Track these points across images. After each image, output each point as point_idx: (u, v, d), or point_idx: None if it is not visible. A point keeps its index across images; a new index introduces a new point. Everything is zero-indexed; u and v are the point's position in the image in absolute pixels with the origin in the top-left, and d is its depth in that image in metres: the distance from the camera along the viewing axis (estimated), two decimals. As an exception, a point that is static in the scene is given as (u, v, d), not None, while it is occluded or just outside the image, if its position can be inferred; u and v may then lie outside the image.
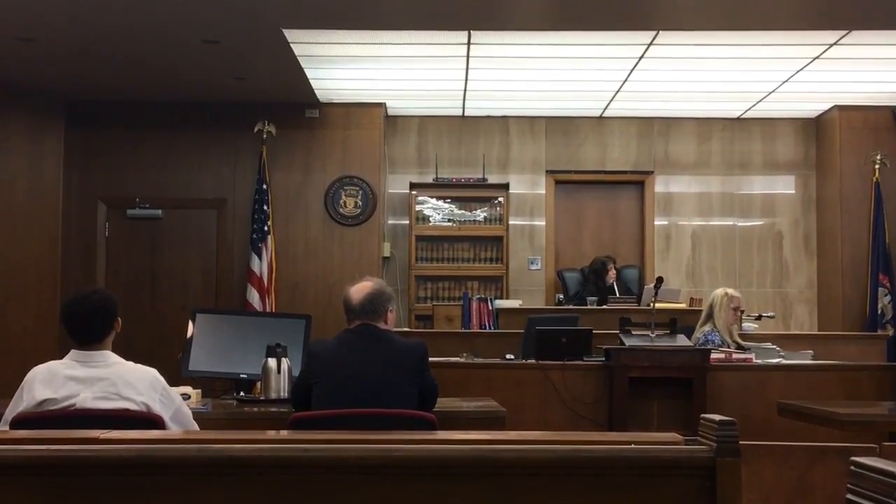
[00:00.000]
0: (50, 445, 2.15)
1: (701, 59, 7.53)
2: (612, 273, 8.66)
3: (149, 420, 3.20)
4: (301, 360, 4.42)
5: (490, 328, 8.07)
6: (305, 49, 7.21)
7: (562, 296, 8.96)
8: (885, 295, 8.64)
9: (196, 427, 3.40)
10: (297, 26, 6.68)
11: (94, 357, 3.29)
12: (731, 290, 6.62)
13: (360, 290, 3.85)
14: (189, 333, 4.81)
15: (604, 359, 6.03)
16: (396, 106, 9.12)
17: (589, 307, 7.98)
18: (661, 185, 9.53)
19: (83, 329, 3.32)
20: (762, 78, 8.07)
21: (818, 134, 9.42)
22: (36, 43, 6.88)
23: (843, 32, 6.80)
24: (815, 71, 7.77)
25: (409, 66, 7.86)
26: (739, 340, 6.53)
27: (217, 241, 8.77)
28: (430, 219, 9.28)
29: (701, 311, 6.91)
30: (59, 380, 3.23)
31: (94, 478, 2.08)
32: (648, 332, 6.06)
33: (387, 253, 9.15)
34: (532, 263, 9.41)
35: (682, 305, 7.96)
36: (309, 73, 7.85)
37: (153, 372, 3.34)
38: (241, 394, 4.63)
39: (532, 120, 9.45)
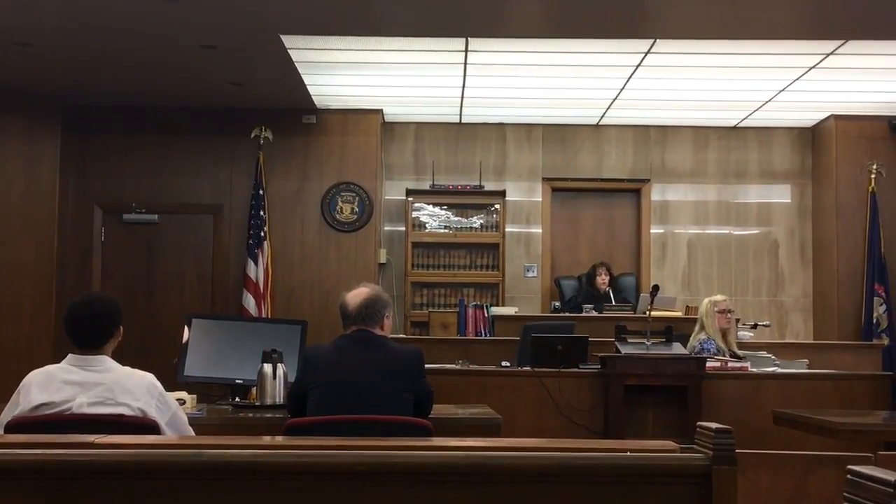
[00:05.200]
0: (44, 450, 2.15)
1: (698, 67, 7.54)
2: (602, 278, 8.65)
3: (144, 425, 3.18)
4: (297, 365, 4.41)
5: (486, 335, 8.04)
6: (303, 55, 7.21)
7: (558, 303, 8.96)
8: (881, 304, 8.64)
9: (192, 433, 3.39)
10: (295, 32, 6.69)
11: (91, 362, 3.28)
12: (714, 297, 6.65)
13: (356, 295, 3.84)
14: (184, 339, 4.80)
15: (599, 366, 6.02)
16: (393, 112, 9.12)
17: (585, 315, 7.98)
18: (657, 194, 9.54)
19: (83, 333, 3.31)
20: (759, 87, 8.09)
21: (814, 143, 9.44)
22: (33, 48, 6.88)
23: (840, 42, 6.82)
24: (812, 80, 7.78)
25: (406, 72, 7.86)
26: (735, 349, 6.53)
27: (213, 246, 8.76)
28: (427, 225, 9.28)
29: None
30: (56, 384, 3.22)
31: (89, 482, 2.08)
32: (644, 340, 6.05)
33: (383, 259, 9.14)
34: (528, 271, 9.41)
35: (678, 314, 7.95)
36: (306, 79, 7.85)
37: (150, 377, 3.32)
38: (237, 399, 4.62)
39: (529, 127, 9.46)
